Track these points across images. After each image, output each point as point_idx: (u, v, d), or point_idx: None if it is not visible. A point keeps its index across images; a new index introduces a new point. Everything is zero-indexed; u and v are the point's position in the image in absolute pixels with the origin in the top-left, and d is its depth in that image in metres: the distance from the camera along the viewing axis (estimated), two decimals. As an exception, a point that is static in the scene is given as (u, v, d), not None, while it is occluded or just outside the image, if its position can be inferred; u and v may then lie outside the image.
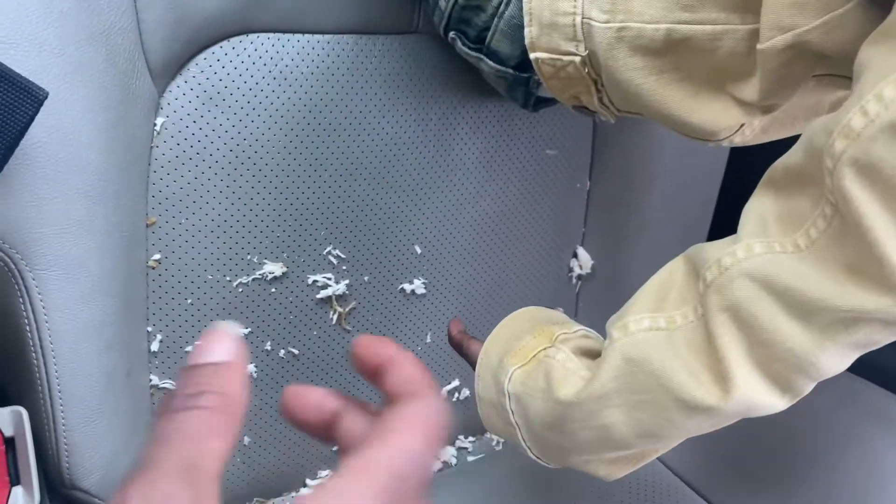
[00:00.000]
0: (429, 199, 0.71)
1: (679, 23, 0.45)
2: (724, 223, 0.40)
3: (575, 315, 0.87)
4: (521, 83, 0.58)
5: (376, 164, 0.66)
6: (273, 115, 0.60)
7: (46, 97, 0.44)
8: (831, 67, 0.46)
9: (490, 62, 0.58)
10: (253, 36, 0.58)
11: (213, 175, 0.59)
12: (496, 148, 0.73)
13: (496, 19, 0.55)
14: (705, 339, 0.40)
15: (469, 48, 0.58)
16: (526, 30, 0.51)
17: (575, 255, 0.85)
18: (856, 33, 0.37)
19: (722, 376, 0.39)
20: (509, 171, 0.75)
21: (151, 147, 0.56)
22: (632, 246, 0.86)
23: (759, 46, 0.41)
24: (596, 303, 0.87)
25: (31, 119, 0.44)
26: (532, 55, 0.52)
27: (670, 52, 0.46)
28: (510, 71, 0.58)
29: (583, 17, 0.48)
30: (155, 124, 0.56)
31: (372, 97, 0.65)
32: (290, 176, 0.62)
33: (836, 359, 0.38)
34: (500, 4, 0.54)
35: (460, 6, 0.56)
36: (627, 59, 0.47)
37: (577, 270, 0.85)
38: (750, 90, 0.45)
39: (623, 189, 0.82)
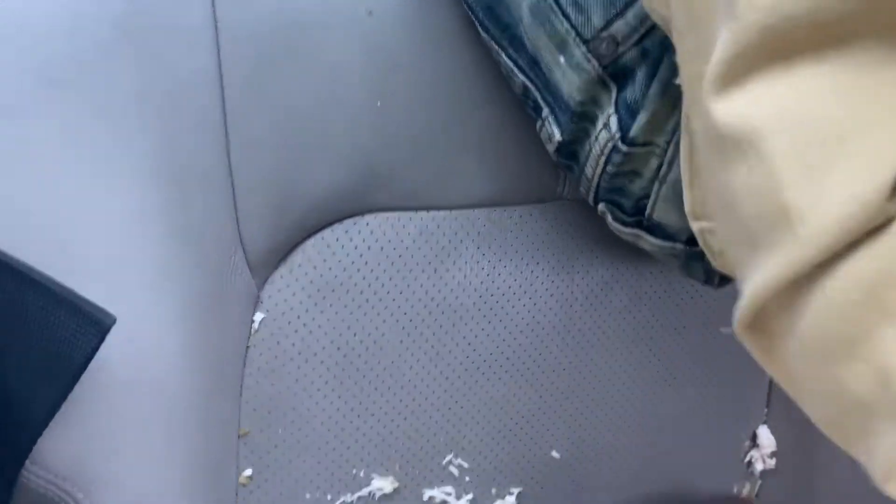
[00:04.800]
0: (572, 393, 0.58)
1: None
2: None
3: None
4: (697, 258, 0.46)
5: (509, 355, 0.55)
6: (389, 304, 0.51)
7: (113, 323, 0.37)
8: None
9: (653, 239, 0.46)
10: (369, 217, 0.50)
11: (317, 377, 0.50)
12: (657, 327, 0.60)
13: (657, 184, 0.43)
14: None
15: (623, 223, 0.47)
16: (686, 192, 0.39)
17: (754, 443, 0.69)
18: None
19: None
20: (673, 354, 0.61)
21: (248, 348, 0.48)
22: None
23: None
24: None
25: (94, 351, 0.37)
26: (695, 225, 0.39)
27: None
28: (681, 246, 0.46)
29: None
30: (253, 321, 0.48)
31: (506, 277, 0.54)
32: (407, 374, 0.52)
33: None
34: (660, 165, 0.43)
35: (609, 173, 0.44)
36: None
37: (757, 465, 0.68)
38: None
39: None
